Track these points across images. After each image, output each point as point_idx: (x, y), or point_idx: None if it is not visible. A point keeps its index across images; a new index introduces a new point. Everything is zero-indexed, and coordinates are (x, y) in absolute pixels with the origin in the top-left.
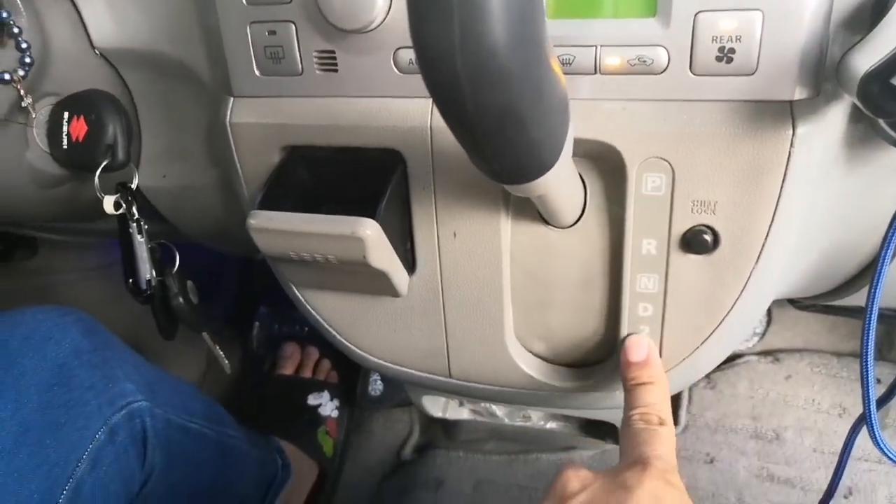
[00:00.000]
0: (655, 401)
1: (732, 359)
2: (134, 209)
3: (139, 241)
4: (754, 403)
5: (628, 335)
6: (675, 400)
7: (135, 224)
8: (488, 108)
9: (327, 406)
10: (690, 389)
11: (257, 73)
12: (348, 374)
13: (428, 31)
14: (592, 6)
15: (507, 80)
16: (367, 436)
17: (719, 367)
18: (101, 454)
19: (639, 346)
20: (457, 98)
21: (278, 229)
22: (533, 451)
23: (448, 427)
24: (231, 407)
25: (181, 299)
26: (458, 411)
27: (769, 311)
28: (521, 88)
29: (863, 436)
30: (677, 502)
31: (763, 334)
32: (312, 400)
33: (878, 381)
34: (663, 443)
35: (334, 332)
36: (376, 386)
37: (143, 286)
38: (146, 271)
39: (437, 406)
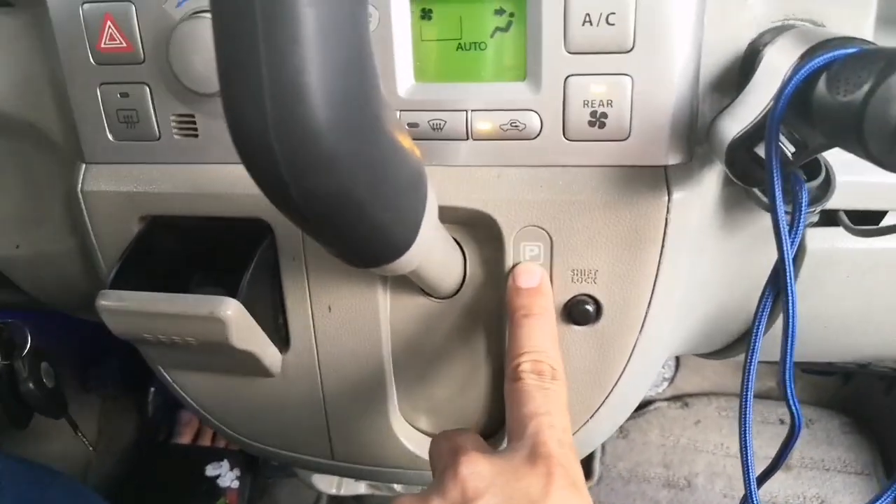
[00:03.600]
0: (546, 343)
1: (643, 405)
2: None
3: None
4: (665, 451)
5: (516, 264)
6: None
7: None
8: (316, 195)
9: (227, 476)
10: None
11: (110, 137)
12: None
13: (238, 111)
14: (462, 70)
15: (335, 165)
16: None
17: (630, 415)
18: None
19: (530, 272)
20: (278, 184)
21: (131, 310)
22: None
23: (356, 496)
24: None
25: (31, 385)
26: (353, 486)
27: (677, 357)
28: (353, 172)
29: (771, 481)
30: None
31: (672, 379)
32: (211, 470)
33: (781, 421)
34: (559, 408)
35: (206, 415)
36: None
37: None
38: None
39: (329, 483)
